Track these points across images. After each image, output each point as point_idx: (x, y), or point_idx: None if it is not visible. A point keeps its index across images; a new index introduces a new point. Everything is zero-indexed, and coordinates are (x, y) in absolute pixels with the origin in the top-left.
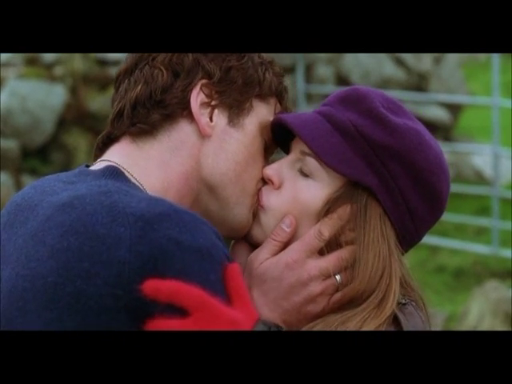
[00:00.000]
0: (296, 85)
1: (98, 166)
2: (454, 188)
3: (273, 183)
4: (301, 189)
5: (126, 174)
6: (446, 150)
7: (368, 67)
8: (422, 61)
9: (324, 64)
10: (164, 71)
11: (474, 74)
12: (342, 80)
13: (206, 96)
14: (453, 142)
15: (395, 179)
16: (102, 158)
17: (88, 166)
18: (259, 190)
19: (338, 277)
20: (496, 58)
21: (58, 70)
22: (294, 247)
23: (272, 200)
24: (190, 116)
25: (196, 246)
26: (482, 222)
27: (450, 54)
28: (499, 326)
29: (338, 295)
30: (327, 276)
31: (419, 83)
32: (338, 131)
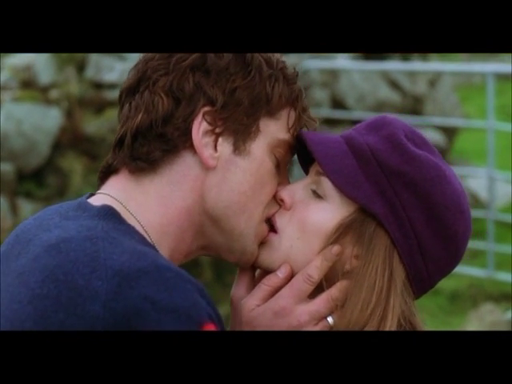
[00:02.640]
0: None
1: (97, 200)
2: None
3: (284, 203)
4: (312, 210)
5: (123, 212)
6: None
7: (363, 90)
8: (417, 84)
9: (319, 87)
10: (164, 98)
11: (468, 97)
12: (337, 103)
13: (209, 124)
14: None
15: (407, 210)
16: (101, 191)
17: (92, 195)
18: (272, 215)
19: (329, 319)
20: (491, 81)
21: (54, 93)
22: (282, 293)
23: (284, 222)
24: (193, 147)
25: (172, 305)
26: (478, 245)
27: (444, 78)
28: None
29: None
30: (319, 320)
31: (414, 106)
32: (353, 153)
